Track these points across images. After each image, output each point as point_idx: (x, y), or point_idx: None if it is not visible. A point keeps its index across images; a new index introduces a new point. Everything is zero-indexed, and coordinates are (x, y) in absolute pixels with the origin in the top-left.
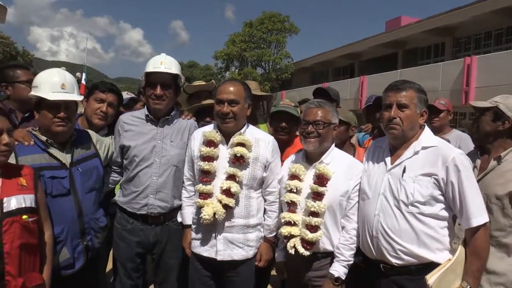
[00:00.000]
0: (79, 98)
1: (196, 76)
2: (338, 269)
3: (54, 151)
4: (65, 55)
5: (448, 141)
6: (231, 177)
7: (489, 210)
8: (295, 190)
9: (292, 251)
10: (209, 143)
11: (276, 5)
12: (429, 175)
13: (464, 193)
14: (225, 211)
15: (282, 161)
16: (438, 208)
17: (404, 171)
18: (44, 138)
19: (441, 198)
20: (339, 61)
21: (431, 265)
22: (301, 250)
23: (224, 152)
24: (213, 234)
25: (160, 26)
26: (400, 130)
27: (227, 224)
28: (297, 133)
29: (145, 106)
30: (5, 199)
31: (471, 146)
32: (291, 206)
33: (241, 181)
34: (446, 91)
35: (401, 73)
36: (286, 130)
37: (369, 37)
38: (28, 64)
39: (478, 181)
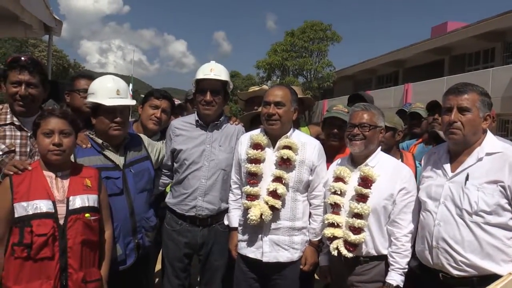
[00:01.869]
0: (133, 102)
1: (238, 86)
2: (396, 278)
3: (109, 153)
4: (113, 67)
5: None
6: (277, 179)
7: None
8: (339, 192)
9: (335, 253)
10: (256, 146)
11: (318, 14)
12: (494, 182)
13: None
14: (271, 212)
15: None
16: (506, 218)
17: (467, 178)
18: (100, 141)
19: (509, 207)
20: (383, 69)
21: (495, 278)
22: (344, 251)
23: (270, 155)
24: (259, 236)
25: (203, 37)
26: (461, 135)
27: (273, 226)
28: None
29: (196, 112)
30: (71, 198)
31: None
32: (335, 208)
33: (287, 183)
34: (497, 98)
35: (448, 80)
36: (338, 136)
37: (414, 44)
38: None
39: None
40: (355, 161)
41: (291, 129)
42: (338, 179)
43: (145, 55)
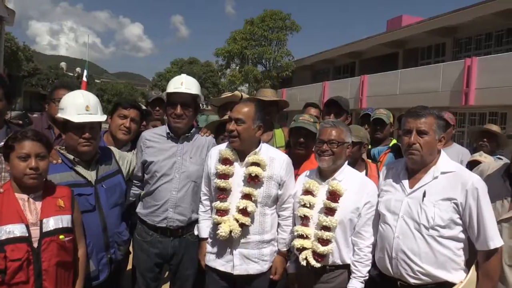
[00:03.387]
0: (103, 118)
1: (197, 73)
2: (357, 286)
3: (80, 169)
4: (65, 49)
5: None
6: (246, 196)
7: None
8: (308, 205)
9: (304, 263)
10: (225, 161)
11: (277, 3)
12: (448, 199)
13: (483, 217)
14: (241, 229)
15: (299, 174)
16: (457, 231)
17: (424, 195)
18: (71, 156)
19: (460, 221)
20: (340, 60)
21: (446, 284)
22: (313, 262)
23: (239, 170)
24: (229, 249)
25: (160, 21)
26: (420, 155)
27: (242, 240)
28: None
29: (166, 124)
30: (44, 220)
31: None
32: (304, 220)
33: (256, 200)
34: (446, 91)
35: (402, 73)
36: (303, 145)
37: (370, 37)
38: (28, 59)
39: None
40: (323, 175)
41: (260, 144)
42: (307, 192)
43: (99, 38)
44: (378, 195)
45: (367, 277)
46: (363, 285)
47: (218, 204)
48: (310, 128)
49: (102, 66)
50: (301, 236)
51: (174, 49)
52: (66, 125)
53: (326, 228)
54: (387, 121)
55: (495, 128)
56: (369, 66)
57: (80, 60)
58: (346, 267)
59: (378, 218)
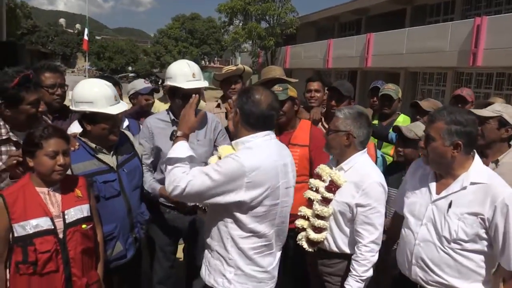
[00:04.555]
0: (126, 107)
1: (199, 29)
2: (352, 284)
3: (102, 156)
4: (63, 4)
5: None
6: None
7: None
8: (314, 189)
9: (300, 243)
10: None
11: None
12: (475, 214)
13: (509, 235)
14: None
15: (288, 142)
16: (483, 245)
17: (450, 205)
18: (93, 145)
19: (486, 236)
20: (346, 17)
21: None
22: (305, 245)
23: None
24: None
25: None
26: (426, 160)
27: None
28: (302, 115)
29: (168, 110)
30: (66, 211)
31: None
32: (309, 202)
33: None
34: (454, 51)
35: (409, 31)
36: (282, 113)
37: None
38: (27, 16)
39: None
40: (338, 161)
41: None
42: (317, 176)
43: None
44: (403, 192)
45: (364, 277)
46: (360, 284)
47: None
48: (280, 97)
49: (101, 21)
50: (303, 217)
51: (175, 3)
52: (95, 117)
53: (320, 217)
54: (395, 97)
55: (499, 101)
56: (375, 24)
57: (79, 15)
58: (346, 257)
59: (384, 216)
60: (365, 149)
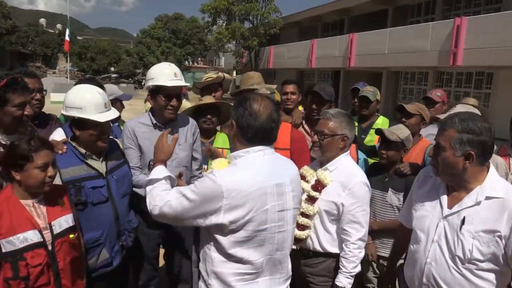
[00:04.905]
0: (116, 114)
1: (182, 29)
2: (342, 281)
3: (92, 161)
4: (43, 3)
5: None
6: None
7: None
8: None
9: None
10: None
11: None
12: (491, 232)
13: None
14: None
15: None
16: (499, 263)
17: (463, 222)
18: (83, 150)
19: (502, 255)
20: (329, 17)
21: None
22: None
23: None
24: None
25: None
26: (436, 172)
27: None
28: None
29: (151, 112)
30: (53, 223)
31: None
32: None
33: None
34: (434, 51)
35: (391, 31)
36: None
37: None
38: (6, 16)
39: None
40: (322, 163)
41: None
42: (302, 176)
43: None
44: (412, 204)
45: (354, 273)
46: (350, 280)
47: None
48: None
49: (83, 21)
50: None
51: (157, 2)
52: (83, 122)
53: (304, 215)
54: (372, 99)
55: (472, 102)
56: (358, 24)
57: (60, 15)
58: (329, 255)
59: (369, 214)
60: (349, 151)
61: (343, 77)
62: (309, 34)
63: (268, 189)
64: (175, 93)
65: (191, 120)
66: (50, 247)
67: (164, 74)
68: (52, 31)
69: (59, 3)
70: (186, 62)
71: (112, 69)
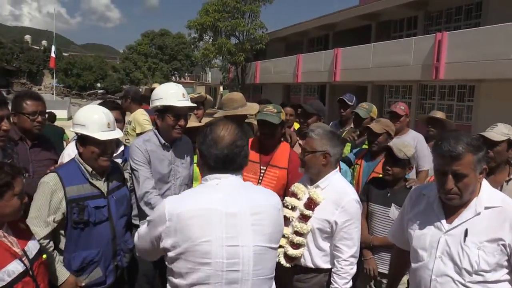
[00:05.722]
0: (120, 135)
1: (169, 45)
2: None
3: (95, 181)
4: (28, 20)
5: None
6: None
7: None
8: (290, 207)
9: (277, 259)
10: None
11: None
12: (495, 241)
13: None
14: None
15: (270, 164)
16: (503, 273)
17: (466, 234)
18: (90, 169)
19: (507, 263)
20: (314, 32)
21: None
22: (283, 261)
23: None
24: None
25: None
26: (459, 199)
27: None
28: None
29: (155, 132)
30: (25, 248)
31: (425, 145)
32: (285, 220)
33: None
34: (417, 65)
35: (374, 46)
36: (268, 136)
37: (344, 9)
38: None
39: None
40: (312, 180)
41: None
42: (293, 194)
43: (64, 8)
44: (405, 223)
45: None
46: None
47: None
48: (272, 120)
49: (68, 37)
50: None
51: (143, 19)
52: (85, 139)
53: (298, 234)
54: (364, 116)
55: (439, 115)
56: (342, 39)
57: (45, 31)
58: (320, 271)
59: (360, 230)
60: (338, 167)
61: (329, 91)
62: (295, 49)
63: (214, 219)
64: (183, 113)
65: (188, 138)
66: (31, 272)
67: (173, 94)
68: (38, 47)
69: (44, 19)
70: (173, 77)
71: (99, 85)
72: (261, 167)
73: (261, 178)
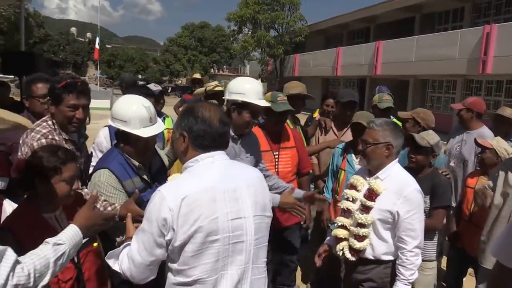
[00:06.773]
0: (162, 128)
1: (208, 37)
2: (400, 287)
3: (142, 173)
4: (74, 13)
5: None
6: None
7: None
8: (351, 199)
9: (340, 253)
10: None
11: None
12: None
13: None
14: None
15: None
16: None
17: None
18: (137, 163)
19: None
20: (354, 25)
21: None
22: (348, 255)
23: None
24: None
25: None
26: None
27: None
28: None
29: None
30: None
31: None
32: (346, 212)
33: None
34: (463, 59)
35: (418, 39)
36: (280, 124)
37: (386, 1)
38: (39, 25)
39: None
40: (370, 171)
41: None
42: (352, 186)
43: (108, 1)
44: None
45: (411, 280)
46: (408, 287)
47: None
48: (291, 108)
49: (111, 30)
50: (341, 227)
51: (184, 11)
52: (127, 136)
53: (362, 225)
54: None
55: (508, 112)
56: (384, 32)
57: (90, 24)
58: (380, 262)
59: (423, 221)
60: (397, 158)
61: (369, 85)
62: (334, 42)
63: (218, 196)
64: (259, 111)
65: (255, 134)
66: (76, 259)
67: (256, 93)
68: (82, 39)
69: (89, 12)
70: (212, 70)
71: (140, 76)
72: (274, 153)
73: (277, 163)
